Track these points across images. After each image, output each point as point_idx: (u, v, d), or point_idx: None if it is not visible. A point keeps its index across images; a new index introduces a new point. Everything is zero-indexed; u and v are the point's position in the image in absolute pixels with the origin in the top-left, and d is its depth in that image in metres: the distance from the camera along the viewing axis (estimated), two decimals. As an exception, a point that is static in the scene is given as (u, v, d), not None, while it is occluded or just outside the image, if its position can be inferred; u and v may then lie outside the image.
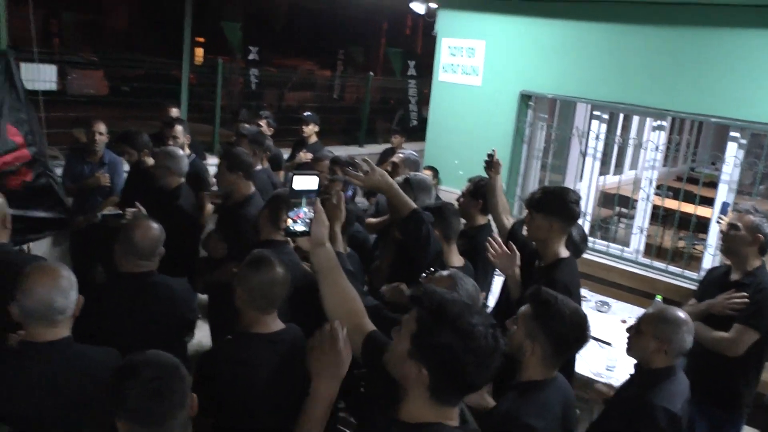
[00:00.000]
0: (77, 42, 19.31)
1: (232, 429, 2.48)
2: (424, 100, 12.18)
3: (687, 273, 5.87)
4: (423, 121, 10.61)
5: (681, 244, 6.87)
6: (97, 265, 5.45)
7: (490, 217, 4.09)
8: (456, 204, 4.05)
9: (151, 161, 5.04)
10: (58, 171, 5.44)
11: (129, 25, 28.26)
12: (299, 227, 1.99)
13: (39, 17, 5.93)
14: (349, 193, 5.49)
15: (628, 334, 2.88)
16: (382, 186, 2.86)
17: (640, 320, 2.82)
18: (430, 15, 7.74)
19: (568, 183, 7.26)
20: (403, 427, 1.69)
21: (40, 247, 5.47)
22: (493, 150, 3.80)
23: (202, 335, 5.02)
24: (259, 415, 2.57)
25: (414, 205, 3.01)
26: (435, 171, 6.54)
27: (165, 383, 1.70)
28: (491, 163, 3.80)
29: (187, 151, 5.43)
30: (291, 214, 1.98)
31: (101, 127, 5.42)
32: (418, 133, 10.97)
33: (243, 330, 2.61)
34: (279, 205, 3.38)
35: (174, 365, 1.76)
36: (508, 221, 3.92)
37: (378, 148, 9.41)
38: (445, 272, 2.81)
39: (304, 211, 1.98)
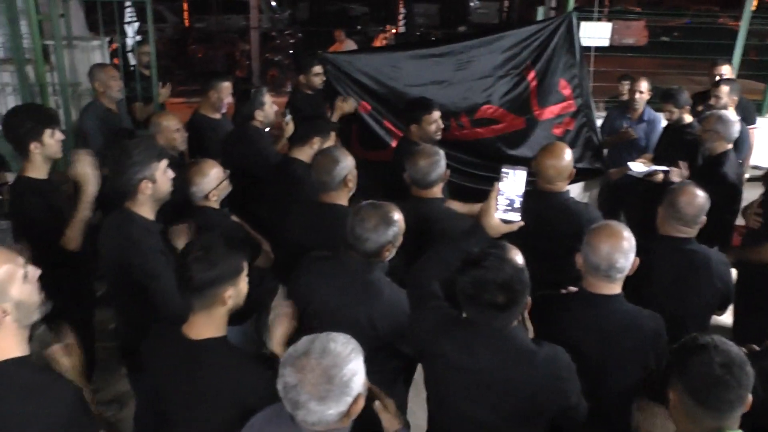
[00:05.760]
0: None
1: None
2: None
3: None
4: None
5: None
6: (620, 215, 5.71)
7: None
8: None
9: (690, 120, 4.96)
10: (599, 122, 5.72)
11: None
12: None
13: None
14: None
15: None
16: None
17: None
18: None
19: None
20: None
21: (574, 189, 5.95)
22: None
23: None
24: None
25: None
26: None
27: (733, 374, 1.69)
28: None
29: (734, 113, 5.12)
30: None
31: (643, 86, 5.48)
32: None
33: None
34: None
35: (743, 360, 1.73)
36: None
37: None
38: None
39: None
